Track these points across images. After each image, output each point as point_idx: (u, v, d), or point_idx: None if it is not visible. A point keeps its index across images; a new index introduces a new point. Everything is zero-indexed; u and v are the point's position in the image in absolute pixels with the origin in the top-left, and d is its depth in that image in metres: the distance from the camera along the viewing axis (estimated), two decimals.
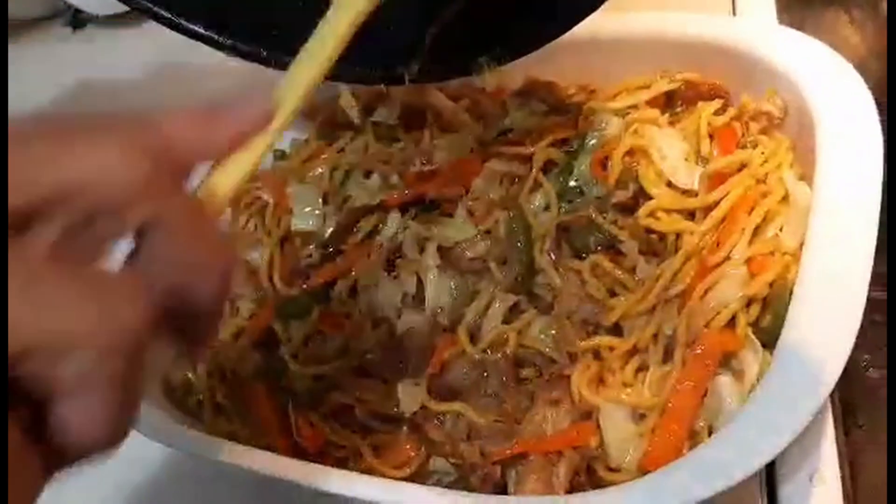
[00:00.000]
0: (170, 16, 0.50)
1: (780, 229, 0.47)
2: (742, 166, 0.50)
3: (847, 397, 0.49)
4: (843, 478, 0.45)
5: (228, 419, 0.52)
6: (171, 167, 0.27)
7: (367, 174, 0.60)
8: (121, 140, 0.25)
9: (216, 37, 0.50)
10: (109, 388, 0.24)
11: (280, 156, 0.65)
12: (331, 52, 0.34)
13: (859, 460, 0.46)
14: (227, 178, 0.30)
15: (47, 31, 1.07)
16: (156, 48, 0.95)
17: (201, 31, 0.49)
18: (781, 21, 0.69)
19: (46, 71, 0.99)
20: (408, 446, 0.47)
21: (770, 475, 0.45)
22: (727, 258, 0.46)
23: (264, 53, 0.49)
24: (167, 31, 0.96)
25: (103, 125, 0.26)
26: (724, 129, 0.52)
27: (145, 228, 0.25)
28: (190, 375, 0.54)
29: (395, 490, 0.41)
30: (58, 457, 0.25)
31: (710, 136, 0.52)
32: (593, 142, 0.55)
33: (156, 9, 0.50)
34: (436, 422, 0.47)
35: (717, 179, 0.49)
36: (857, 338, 0.48)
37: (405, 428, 0.47)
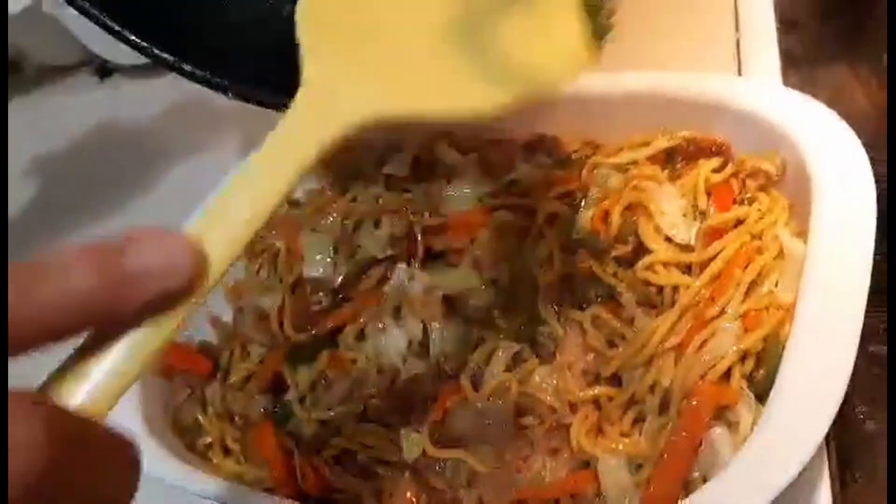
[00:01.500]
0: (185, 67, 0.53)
1: (776, 285, 0.49)
2: (738, 222, 0.51)
3: (844, 449, 0.49)
4: None
5: (236, 461, 0.53)
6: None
7: (377, 223, 0.62)
8: (26, 419, 0.21)
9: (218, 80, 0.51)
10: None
11: (294, 203, 0.67)
12: (283, 190, 0.29)
13: None
14: (134, 351, 0.25)
15: (75, 78, 1.11)
16: (179, 96, 0.99)
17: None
18: (787, 77, 0.71)
19: (72, 117, 1.03)
20: (409, 493, 0.48)
21: None
22: (722, 312, 0.47)
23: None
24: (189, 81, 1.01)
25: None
26: (722, 186, 0.53)
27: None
28: (200, 417, 0.56)
29: None
30: None
31: (708, 193, 0.54)
32: (595, 195, 0.57)
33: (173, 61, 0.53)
34: (437, 469, 0.48)
35: (713, 235, 0.51)
36: (855, 390, 0.49)
37: (407, 474, 0.48)
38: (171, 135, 0.96)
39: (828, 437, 0.49)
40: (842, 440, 0.49)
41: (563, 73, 0.36)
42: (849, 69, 0.76)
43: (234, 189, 0.28)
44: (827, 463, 0.48)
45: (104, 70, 1.11)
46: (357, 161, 0.67)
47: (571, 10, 0.37)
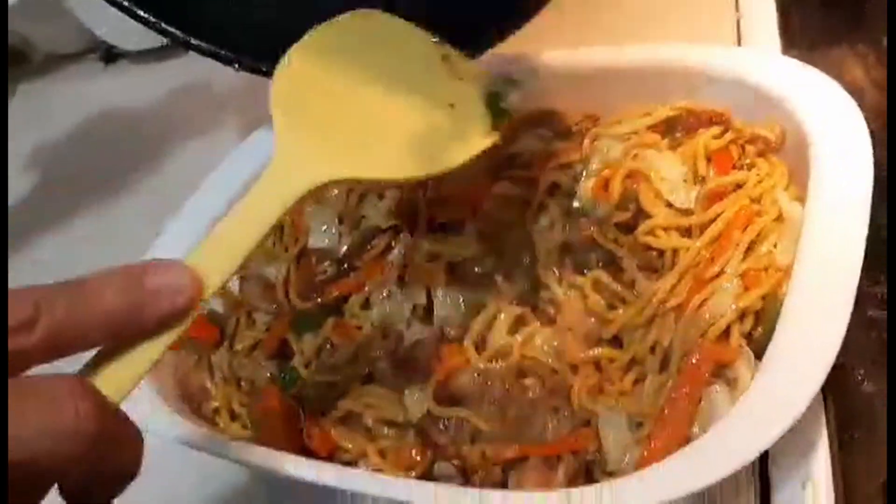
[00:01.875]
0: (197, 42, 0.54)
1: (774, 246, 0.49)
2: (738, 186, 0.52)
3: (842, 410, 0.50)
4: (836, 486, 0.46)
5: (243, 425, 0.54)
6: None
7: (381, 196, 0.62)
8: (70, 397, 0.27)
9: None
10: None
11: None
12: (264, 231, 0.36)
13: (853, 469, 0.47)
14: (126, 372, 0.31)
15: (80, 65, 1.12)
16: (184, 81, 1.00)
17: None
18: (787, 54, 0.71)
19: (78, 104, 1.03)
20: (413, 451, 0.49)
21: (764, 482, 0.47)
22: (722, 272, 0.48)
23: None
24: (194, 65, 1.02)
25: (48, 385, 0.27)
26: (722, 152, 0.54)
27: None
28: (207, 383, 0.57)
29: (402, 487, 0.43)
30: None
31: (708, 160, 0.54)
32: (596, 165, 0.57)
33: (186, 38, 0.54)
34: (441, 426, 0.49)
35: (713, 199, 0.51)
36: (853, 353, 0.50)
37: (411, 433, 0.49)
38: (176, 119, 0.96)
39: (826, 399, 0.50)
40: (840, 402, 0.50)
41: (462, 154, 0.45)
42: (848, 47, 0.76)
43: (223, 229, 0.35)
44: (825, 423, 0.49)
45: (110, 56, 1.11)
46: None
47: (476, 103, 0.49)
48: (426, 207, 0.60)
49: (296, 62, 0.44)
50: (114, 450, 0.29)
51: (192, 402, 0.56)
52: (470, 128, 0.47)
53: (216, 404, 0.56)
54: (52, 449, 0.26)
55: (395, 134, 0.43)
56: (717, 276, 0.48)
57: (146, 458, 0.31)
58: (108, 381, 0.30)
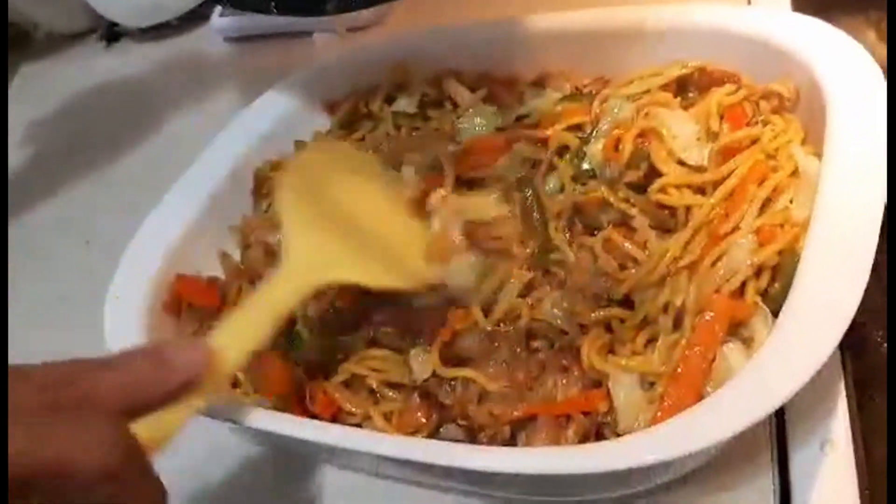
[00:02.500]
0: None
1: (791, 202, 0.48)
2: (752, 142, 0.50)
3: (861, 372, 0.48)
4: (855, 447, 0.44)
5: (245, 392, 0.53)
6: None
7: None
8: (102, 424, 0.30)
9: None
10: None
11: (301, 146, 0.66)
12: (277, 319, 0.41)
13: (871, 431, 0.46)
14: (164, 424, 0.34)
15: (83, 46, 1.11)
16: (185, 58, 1.01)
17: None
18: None
19: (79, 82, 1.03)
20: (419, 413, 0.47)
21: (782, 443, 0.45)
22: (736, 228, 0.47)
23: None
24: (194, 43, 1.01)
25: (87, 400, 0.31)
26: (735, 108, 0.53)
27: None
28: None
29: (408, 445, 0.42)
30: None
31: (721, 116, 0.53)
32: (606, 126, 0.56)
33: None
34: (447, 388, 0.47)
35: (726, 154, 0.50)
36: (873, 314, 0.48)
37: (416, 395, 0.48)
38: (175, 96, 0.95)
39: (844, 360, 0.48)
40: (859, 364, 0.49)
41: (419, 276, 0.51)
42: (860, 12, 0.75)
43: (240, 318, 0.41)
44: (843, 385, 0.47)
45: (112, 35, 1.10)
46: (364, 102, 0.67)
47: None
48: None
49: (292, 176, 0.52)
50: (130, 494, 0.31)
51: None
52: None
53: None
54: (80, 458, 0.28)
55: (376, 246, 0.50)
56: (732, 232, 0.47)
57: None
58: (145, 428, 0.33)
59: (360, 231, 0.50)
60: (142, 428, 0.33)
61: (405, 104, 0.64)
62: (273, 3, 0.60)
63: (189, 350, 0.36)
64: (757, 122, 0.53)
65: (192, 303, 0.57)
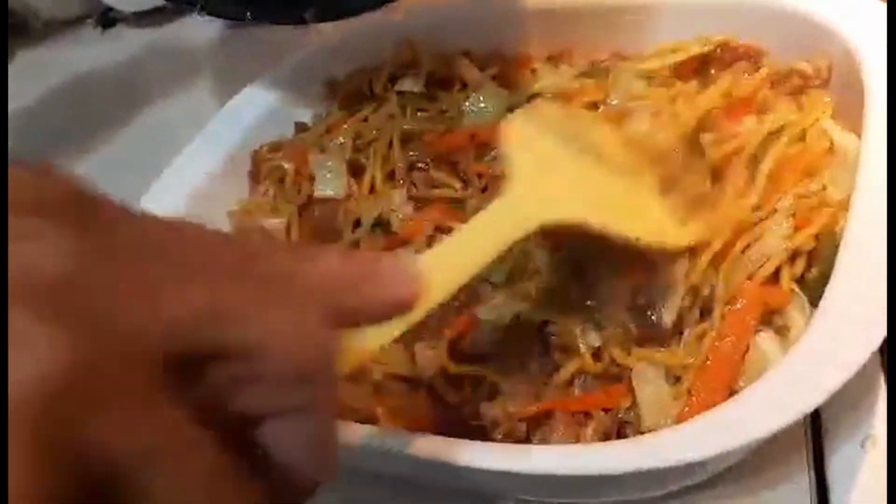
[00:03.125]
0: None
1: (825, 183, 0.45)
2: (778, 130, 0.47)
3: None
4: None
5: None
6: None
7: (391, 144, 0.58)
8: (311, 310, 0.23)
9: None
10: (327, 405, 0.24)
11: (301, 128, 0.63)
12: (495, 251, 0.35)
13: None
14: (353, 348, 0.28)
15: (79, 31, 1.08)
16: (181, 44, 0.98)
17: None
18: None
19: (74, 68, 1.01)
20: (427, 412, 0.44)
21: (817, 440, 0.42)
22: (773, 211, 0.43)
23: None
24: (190, 29, 0.99)
25: (287, 279, 0.24)
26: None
27: (292, 409, 0.23)
28: None
29: (414, 441, 0.39)
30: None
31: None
32: (615, 101, 0.53)
33: None
34: (456, 385, 0.44)
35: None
36: None
37: (423, 392, 0.44)
38: (173, 81, 0.92)
39: (883, 351, 0.45)
40: None
41: (666, 237, 0.44)
42: None
43: (453, 243, 0.35)
44: (884, 378, 0.44)
45: (107, 21, 1.08)
46: (367, 82, 0.63)
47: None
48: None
49: (521, 118, 0.46)
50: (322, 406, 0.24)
51: None
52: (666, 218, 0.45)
53: None
54: (277, 344, 0.22)
55: (610, 196, 0.44)
56: (766, 217, 0.44)
57: None
58: None
59: (593, 183, 0.44)
60: None
61: (411, 84, 0.61)
62: (249, 14, 0.59)
63: (401, 267, 0.29)
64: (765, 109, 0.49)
65: None
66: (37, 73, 1.04)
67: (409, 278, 0.29)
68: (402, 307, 0.28)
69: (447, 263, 0.33)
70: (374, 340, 0.29)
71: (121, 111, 0.90)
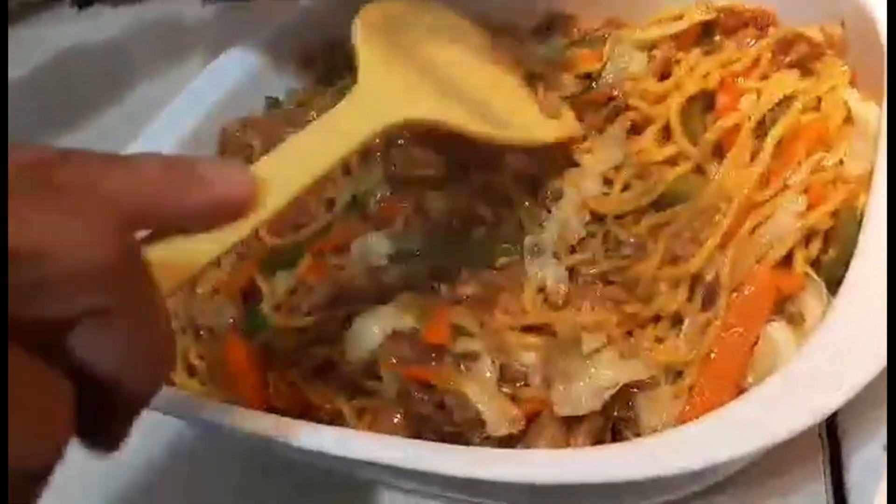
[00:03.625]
0: None
1: (843, 157, 0.40)
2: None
3: None
4: None
5: (201, 381, 0.46)
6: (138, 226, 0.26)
7: None
8: (97, 212, 0.22)
9: None
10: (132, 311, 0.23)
11: (273, 103, 0.59)
12: (340, 154, 0.33)
13: None
14: (185, 256, 0.27)
15: (54, 11, 1.06)
16: (155, 21, 0.98)
17: None
18: None
19: (51, 47, 0.99)
20: (399, 414, 0.39)
21: (834, 442, 0.38)
22: (784, 188, 0.39)
23: None
24: (170, 4, 0.96)
25: (84, 185, 0.24)
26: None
27: (91, 313, 0.22)
28: None
29: (388, 445, 0.34)
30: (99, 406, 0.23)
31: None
32: (611, 78, 0.48)
33: None
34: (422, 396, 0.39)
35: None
36: None
37: (394, 393, 0.40)
38: (153, 59, 0.90)
39: None
40: None
41: (534, 133, 0.44)
42: None
43: (293, 146, 0.32)
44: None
45: (83, 0, 1.04)
46: (344, 56, 0.59)
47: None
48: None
49: (376, 9, 0.42)
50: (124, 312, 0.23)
51: None
52: (534, 113, 0.45)
53: None
54: (68, 246, 0.21)
55: (473, 93, 0.41)
56: (776, 195, 0.39)
57: None
58: (158, 256, 0.26)
59: (454, 79, 0.41)
60: (155, 254, 0.26)
61: None
62: None
63: (228, 168, 0.28)
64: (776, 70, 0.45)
65: None
66: (15, 54, 1.01)
67: (241, 180, 0.28)
68: (233, 210, 0.27)
69: (285, 169, 0.31)
70: (202, 254, 0.27)
71: (105, 90, 0.88)
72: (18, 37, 1.04)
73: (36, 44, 1.01)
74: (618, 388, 0.36)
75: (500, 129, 0.40)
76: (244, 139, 0.55)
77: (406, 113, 0.36)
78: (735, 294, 0.38)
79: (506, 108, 0.43)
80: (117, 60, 0.94)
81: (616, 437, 0.37)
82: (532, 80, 0.49)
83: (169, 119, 0.57)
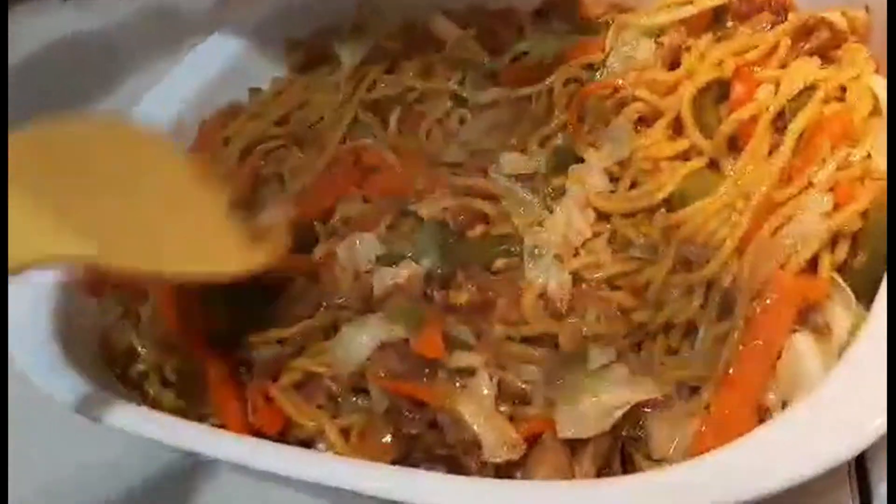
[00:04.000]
0: None
1: (870, 151, 0.37)
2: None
3: None
4: None
5: (176, 395, 0.42)
6: None
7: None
8: None
9: None
10: None
11: (257, 94, 0.56)
12: None
13: None
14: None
15: (40, 2, 1.04)
16: (142, 9, 0.96)
17: None
18: None
19: (38, 38, 0.98)
20: (388, 433, 0.36)
21: (862, 471, 0.35)
22: (808, 185, 0.36)
23: None
24: None
25: None
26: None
27: None
28: (135, 342, 0.44)
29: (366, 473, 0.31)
30: None
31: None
32: (617, 66, 0.45)
33: None
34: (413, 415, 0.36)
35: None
36: None
37: (383, 411, 0.37)
38: (142, 49, 0.89)
39: None
40: None
41: (212, 265, 0.40)
42: None
43: None
44: None
45: None
46: (323, 44, 0.56)
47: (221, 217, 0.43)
48: None
49: (22, 142, 0.39)
50: None
51: (114, 364, 0.44)
52: (231, 241, 0.42)
53: (143, 367, 0.44)
54: None
55: (148, 227, 0.40)
56: (799, 193, 0.36)
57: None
58: None
59: (121, 214, 0.40)
60: None
61: (348, 54, 0.53)
62: None
63: None
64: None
65: (115, 285, 0.46)
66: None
67: None
68: None
69: None
70: None
71: (97, 80, 0.86)
72: (9, 27, 1.03)
73: (26, 34, 0.99)
74: (628, 407, 0.33)
75: (174, 265, 0.39)
76: (223, 133, 0.52)
77: (51, 252, 0.35)
78: (755, 302, 0.34)
79: (191, 239, 0.41)
80: (110, 50, 0.93)
81: (624, 459, 0.34)
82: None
83: (150, 108, 0.54)
